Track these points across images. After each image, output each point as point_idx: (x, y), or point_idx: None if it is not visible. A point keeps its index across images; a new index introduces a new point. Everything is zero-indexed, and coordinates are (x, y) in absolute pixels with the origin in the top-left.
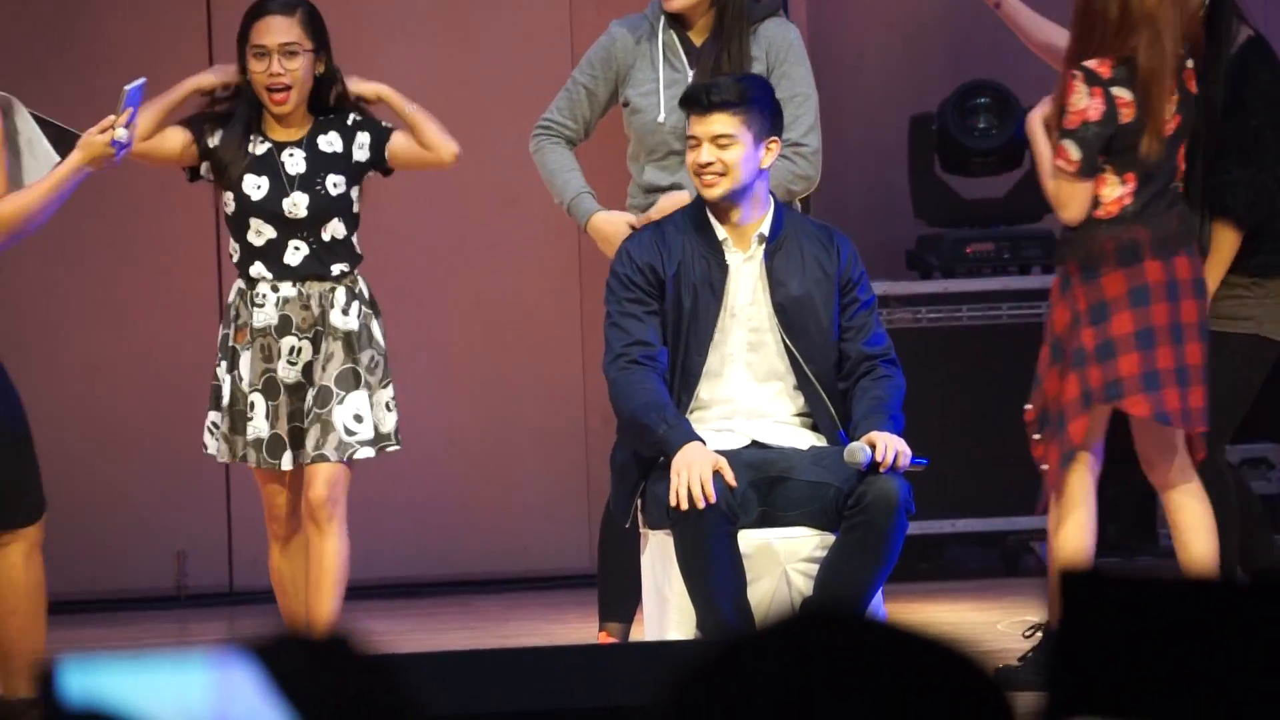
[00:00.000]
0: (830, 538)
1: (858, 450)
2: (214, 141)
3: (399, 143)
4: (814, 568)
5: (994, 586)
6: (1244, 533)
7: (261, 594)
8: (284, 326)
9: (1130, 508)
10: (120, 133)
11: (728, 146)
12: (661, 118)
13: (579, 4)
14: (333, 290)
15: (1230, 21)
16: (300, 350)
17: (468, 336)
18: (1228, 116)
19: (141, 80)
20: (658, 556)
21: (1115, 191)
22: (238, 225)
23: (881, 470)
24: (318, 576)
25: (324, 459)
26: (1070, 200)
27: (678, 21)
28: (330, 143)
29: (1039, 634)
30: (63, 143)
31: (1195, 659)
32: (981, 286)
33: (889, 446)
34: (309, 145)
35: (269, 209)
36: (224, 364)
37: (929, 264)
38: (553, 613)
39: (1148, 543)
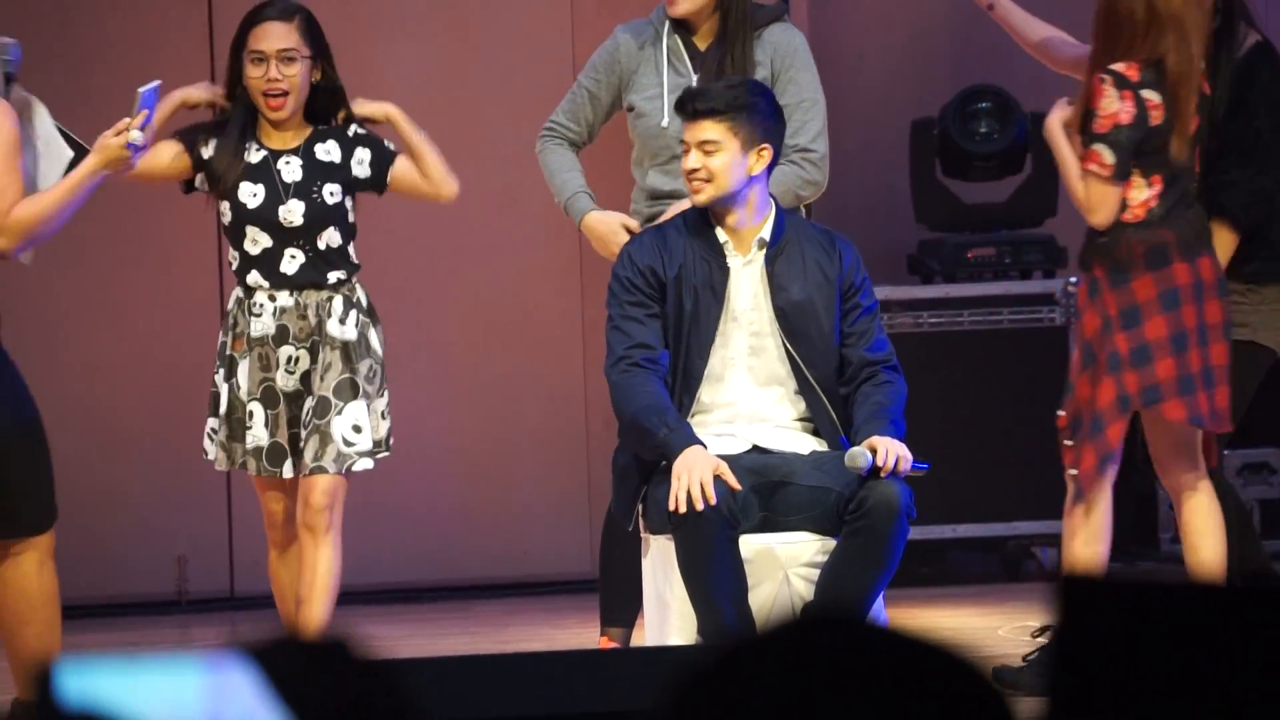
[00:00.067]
0: (831, 542)
1: (859, 455)
2: (208, 152)
3: (402, 168)
4: (815, 573)
5: (995, 591)
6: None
7: (262, 598)
8: (281, 336)
9: (1131, 512)
10: (135, 135)
11: (713, 153)
12: (665, 122)
13: (580, 5)
14: (330, 300)
15: (1238, 24)
16: (298, 360)
17: (468, 339)
18: (1230, 117)
19: (156, 82)
20: (659, 561)
21: (1142, 194)
22: (234, 234)
23: (883, 475)
24: (310, 585)
25: (323, 470)
26: (1101, 204)
27: (682, 26)
28: (328, 151)
29: (1046, 634)
30: (75, 152)
31: (1196, 663)
32: (983, 291)
33: (890, 451)
34: (306, 153)
35: (265, 217)
36: (222, 371)
37: (930, 268)
38: (553, 617)
39: (1148, 547)
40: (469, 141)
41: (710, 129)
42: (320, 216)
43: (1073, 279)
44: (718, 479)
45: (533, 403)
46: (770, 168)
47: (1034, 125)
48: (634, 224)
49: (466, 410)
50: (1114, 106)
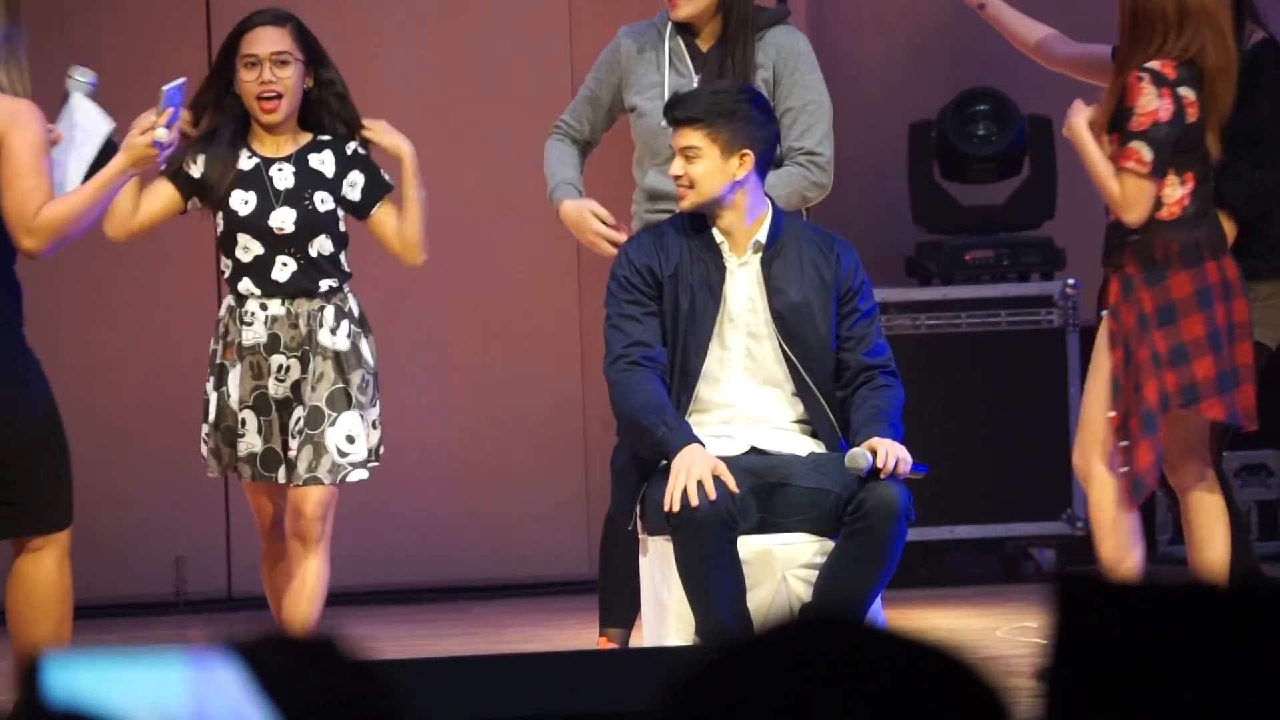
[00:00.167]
0: (829, 544)
1: (859, 456)
2: (197, 169)
3: (385, 214)
4: (813, 574)
5: (993, 593)
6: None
7: (260, 599)
8: (272, 345)
9: None
10: (161, 133)
11: (694, 159)
12: (664, 122)
13: (578, 7)
14: (321, 309)
15: (1245, 20)
16: (289, 368)
17: (466, 341)
18: (1234, 112)
19: (181, 80)
20: (657, 562)
21: (1176, 192)
22: (226, 241)
23: (882, 476)
24: (297, 594)
25: (317, 481)
26: (1138, 201)
27: (684, 28)
28: (322, 161)
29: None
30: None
31: (1195, 664)
32: (981, 293)
33: (890, 453)
34: (298, 161)
35: (256, 224)
36: (212, 379)
37: (928, 271)
38: (551, 619)
39: (1146, 548)
40: (467, 143)
41: (689, 136)
42: (312, 224)
43: (1071, 281)
44: (716, 479)
45: (531, 405)
46: (763, 171)
47: (1032, 128)
48: (603, 211)
49: (465, 413)
50: (1153, 104)
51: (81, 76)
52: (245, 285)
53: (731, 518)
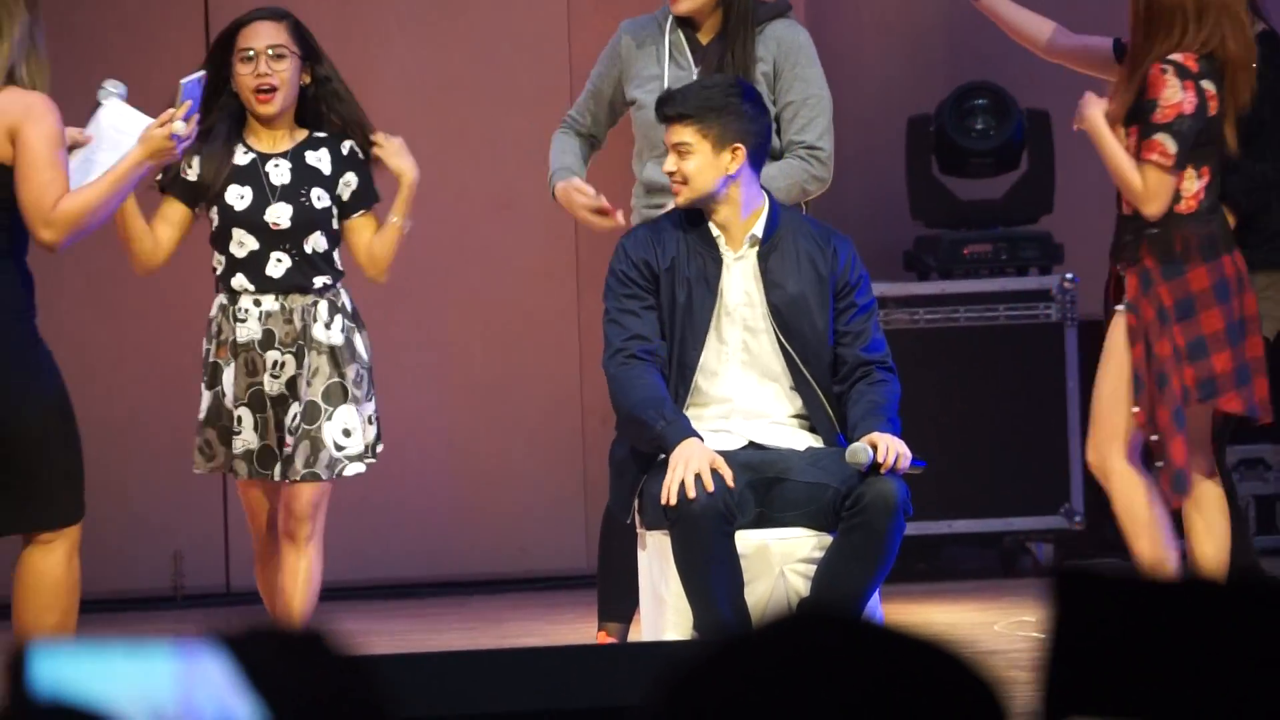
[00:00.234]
0: (827, 539)
1: (860, 451)
2: (194, 174)
3: (363, 225)
4: (811, 569)
5: (991, 587)
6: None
7: (257, 594)
8: (267, 340)
9: None
10: (179, 126)
11: (686, 155)
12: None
13: (577, 6)
14: (315, 304)
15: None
16: (283, 364)
17: (465, 338)
18: None
19: (201, 73)
20: (655, 557)
21: (1194, 186)
22: (220, 237)
23: (882, 471)
24: (290, 592)
25: (315, 476)
26: (1160, 193)
27: (685, 22)
28: (319, 159)
29: None
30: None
31: (1191, 659)
32: (979, 288)
33: (890, 448)
34: (295, 157)
35: (251, 219)
36: (205, 379)
37: (926, 265)
38: (550, 613)
39: None
40: (465, 141)
41: (681, 132)
42: (308, 220)
43: (1069, 275)
44: (714, 472)
45: (530, 401)
46: (757, 164)
47: (1030, 122)
48: (584, 186)
49: (464, 408)
50: (1177, 97)
51: (113, 88)
52: (239, 281)
53: (729, 512)
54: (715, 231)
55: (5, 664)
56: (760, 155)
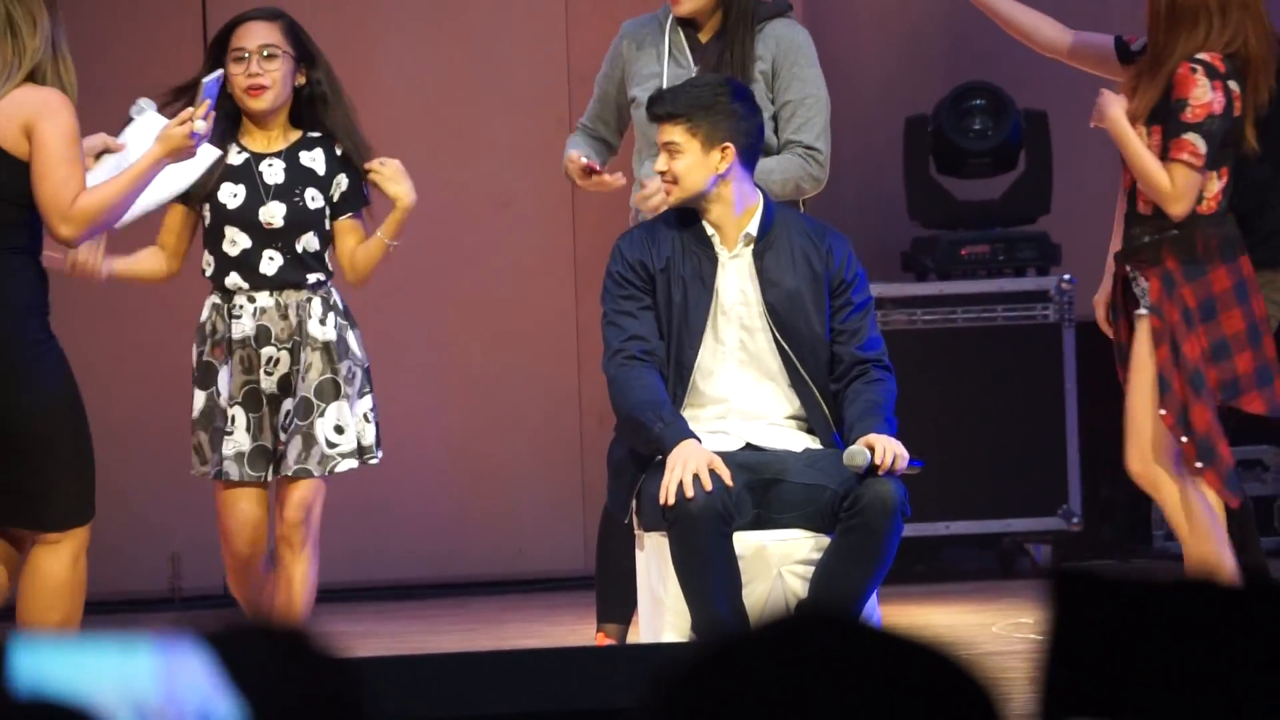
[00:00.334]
0: (825, 540)
1: (858, 454)
2: None
3: (349, 228)
4: (809, 570)
5: (989, 589)
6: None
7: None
8: (263, 337)
9: (1125, 509)
10: (199, 124)
11: (675, 155)
12: None
13: (575, 6)
14: (309, 300)
15: None
16: (278, 361)
17: (463, 338)
18: None
19: (220, 72)
20: (653, 558)
21: (1214, 186)
22: (213, 236)
23: (880, 473)
24: (287, 596)
25: (307, 473)
26: (1188, 193)
27: (686, 22)
28: (313, 159)
29: None
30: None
31: (1189, 660)
32: (976, 288)
33: (888, 449)
34: (289, 157)
35: (245, 217)
36: (197, 379)
37: (924, 266)
38: (549, 614)
39: (1142, 544)
40: (463, 141)
41: (670, 132)
42: (301, 220)
43: (1067, 276)
44: (711, 472)
45: (528, 401)
46: (748, 162)
47: (1027, 122)
48: (577, 155)
49: (462, 409)
50: (1207, 96)
51: (146, 104)
52: (232, 279)
53: (727, 512)
54: (710, 230)
55: None
56: (751, 154)
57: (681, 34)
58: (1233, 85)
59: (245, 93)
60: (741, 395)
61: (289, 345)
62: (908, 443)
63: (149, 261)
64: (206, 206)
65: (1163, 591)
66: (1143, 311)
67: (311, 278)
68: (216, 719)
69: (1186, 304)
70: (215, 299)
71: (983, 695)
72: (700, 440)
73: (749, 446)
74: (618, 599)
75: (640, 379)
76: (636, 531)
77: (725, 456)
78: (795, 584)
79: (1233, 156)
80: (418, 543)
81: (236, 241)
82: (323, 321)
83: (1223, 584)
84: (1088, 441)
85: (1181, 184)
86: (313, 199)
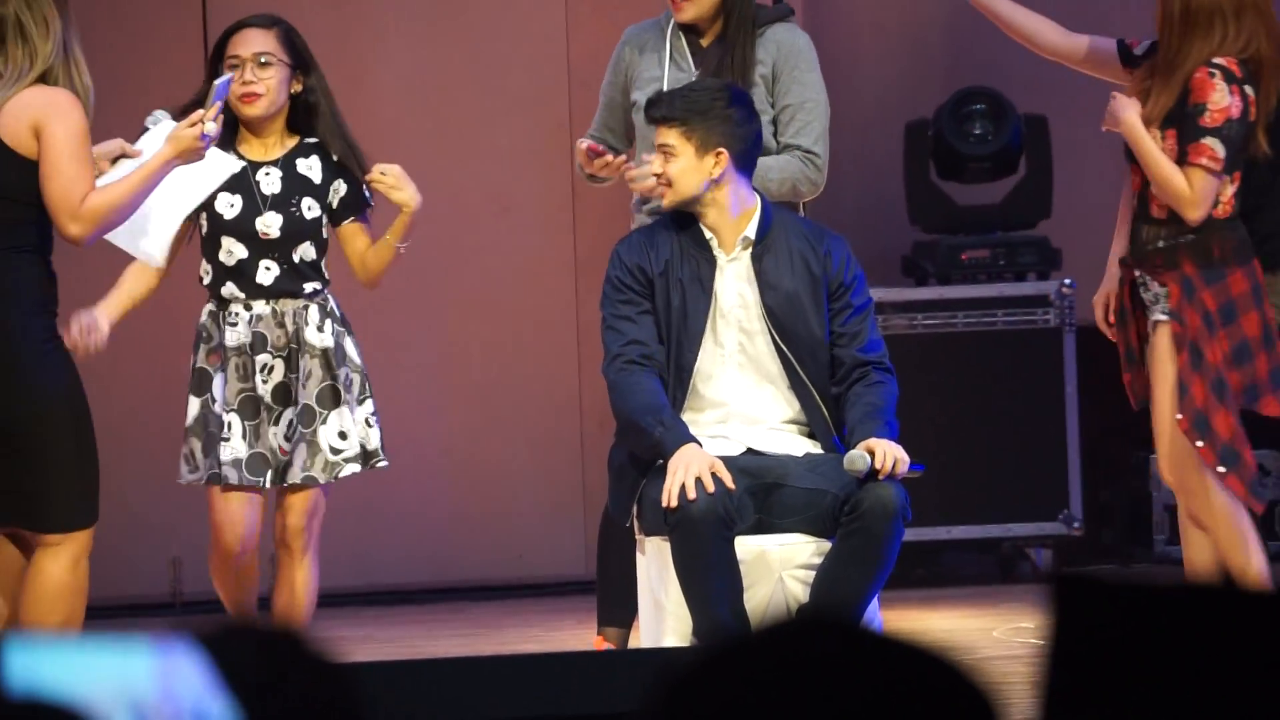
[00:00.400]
0: (826, 544)
1: (858, 458)
2: None
3: (356, 231)
4: (810, 574)
5: (990, 593)
6: None
7: (257, 600)
8: (259, 344)
9: (1126, 513)
10: (210, 126)
11: (670, 158)
12: None
13: (575, 7)
14: (306, 308)
15: None
16: (272, 369)
17: (463, 341)
18: None
19: (229, 75)
20: (654, 562)
21: (1229, 190)
22: (209, 245)
23: (880, 477)
24: (289, 604)
25: (313, 481)
26: (1206, 198)
27: (688, 27)
28: (309, 167)
29: None
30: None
31: (1191, 665)
32: (977, 293)
33: (888, 454)
34: (285, 165)
35: (241, 228)
36: (193, 386)
37: (924, 270)
38: (549, 619)
39: (1142, 548)
40: (464, 143)
41: (665, 134)
42: (297, 230)
43: (1067, 280)
44: (713, 475)
45: (528, 405)
46: (744, 168)
47: (1028, 127)
48: (583, 143)
49: (462, 413)
50: (1226, 101)
51: (162, 115)
52: (229, 289)
53: (729, 516)
54: (708, 234)
55: None
56: (747, 160)
57: (683, 38)
58: (1249, 90)
59: (239, 100)
60: (741, 398)
61: (284, 353)
62: (908, 447)
63: (138, 283)
64: (203, 215)
65: (1164, 596)
66: (1162, 317)
67: (308, 287)
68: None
69: (1207, 308)
70: (211, 306)
71: (983, 700)
72: (701, 444)
73: (750, 451)
74: (618, 603)
75: (640, 384)
76: (637, 536)
77: (726, 461)
78: (796, 589)
79: (1245, 161)
80: (417, 547)
81: (233, 251)
82: (320, 328)
83: (1224, 589)
84: (1088, 446)
85: (1200, 188)
86: (309, 209)
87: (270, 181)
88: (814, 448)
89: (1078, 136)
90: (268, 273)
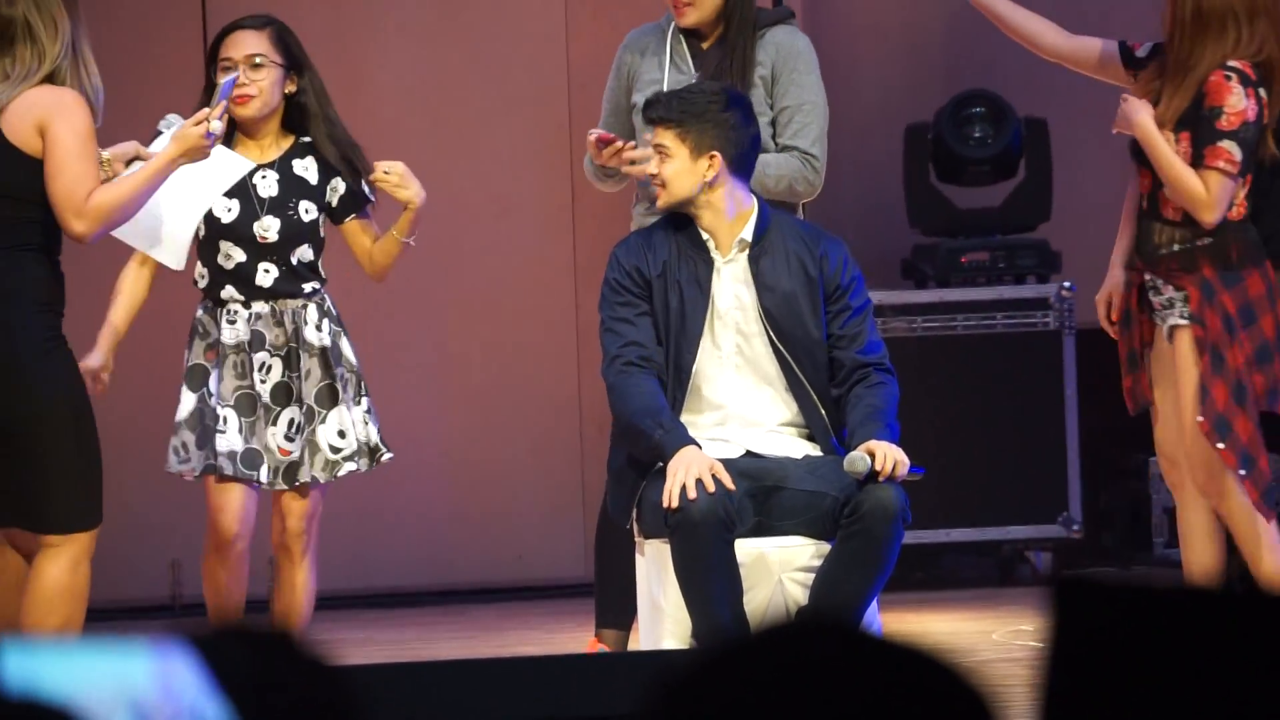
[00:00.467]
0: (825, 547)
1: (858, 460)
2: None
3: (359, 228)
4: (809, 577)
5: (989, 596)
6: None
7: (256, 603)
8: (257, 342)
9: (1125, 516)
10: (215, 124)
11: (665, 159)
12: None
13: (574, 10)
14: (305, 307)
15: None
16: (269, 368)
17: (462, 343)
18: None
19: (235, 74)
20: (653, 565)
21: (1241, 193)
22: (207, 249)
23: (880, 479)
24: (288, 606)
25: (315, 481)
26: (1223, 201)
27: (689, 30)
28: (305, 167)
29: None
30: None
31: (1190, 668)
32: (976, 296)
33: (888, 456)
34: (282, 167)
35: (240, 232)
36: (187, 380)
37: (924, 273)
38: (548, 622)
39: (1142, 551)
40: (463, 144)
41: (661, 135)
42: (295, 233)
43: (1067, 283)
44: (713, 477)
45: (527, 407)
46: (739, 171)
47: (1027, 130)
48: (594, 134)
49: (461, 415)
50: (1242, 103)
51: (175, 120)
52: (228, 292)
53: (729, 518)
54: (705, 236)
55: None
56: (742, 163)
57: (683, 41)
58: (1263, 93)
59: (232, 101)
60: (739, 400)
61: (282, 352)
62: (907, 449)
63: (135, 290)
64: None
65: (1163, 599)
66: (1181, 322)
67: (307, 287)
68: None
69: (1227, 311)
70: (208, 302)
71: (982, 703)
72: (700, 446)
73: (749, 454)
74: (616, 605)
75: (639, 386)
76: (637, 538)
77: (726, 464)
78: (796, 591)
79: (1256, 163)
80: (417, 549)
81: (231, 255)
82: (318, 328)
83: (1223, 591)
84: (1088, 449)
85: (1216, 191)
86: (306, 211)
87: (267, 185)
88: (813, 450)
89: (1077, 139)
90: (267, 275)
